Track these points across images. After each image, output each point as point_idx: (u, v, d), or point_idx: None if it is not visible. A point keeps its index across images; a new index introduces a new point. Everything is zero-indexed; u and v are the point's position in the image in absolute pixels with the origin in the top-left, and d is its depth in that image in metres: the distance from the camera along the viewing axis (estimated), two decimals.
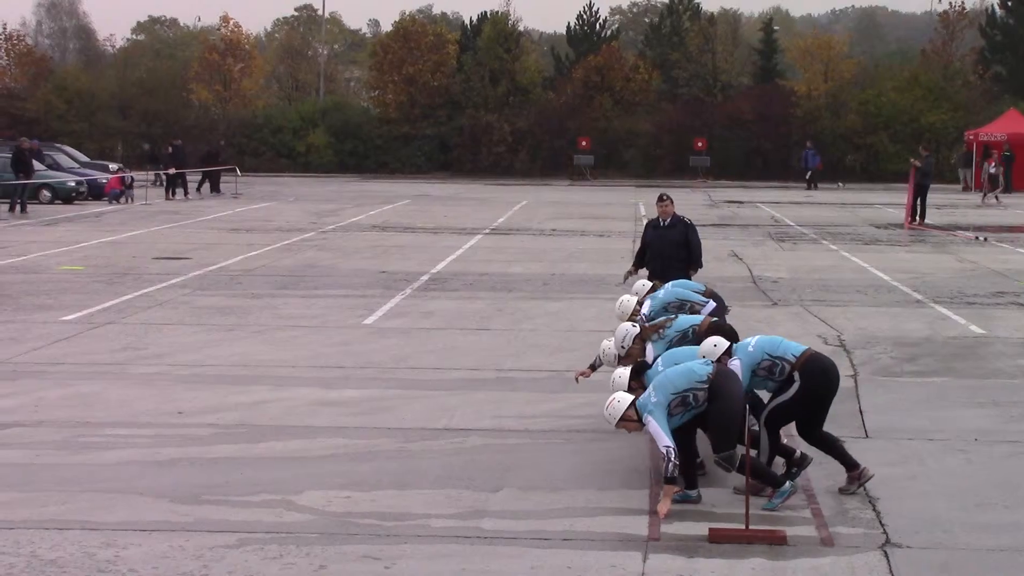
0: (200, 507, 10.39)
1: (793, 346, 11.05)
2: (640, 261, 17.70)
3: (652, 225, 17.73)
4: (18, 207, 41.69)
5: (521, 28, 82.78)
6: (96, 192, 48.93)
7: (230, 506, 10.45)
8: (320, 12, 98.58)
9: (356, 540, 9.68)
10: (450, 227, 37.92)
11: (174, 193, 51.58)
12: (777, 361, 10.89)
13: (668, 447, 10.08)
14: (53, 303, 21.44)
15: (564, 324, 19.99)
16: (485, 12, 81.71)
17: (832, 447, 11.11)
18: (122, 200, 48.44)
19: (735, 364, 10.88)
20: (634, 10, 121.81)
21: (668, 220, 17.55)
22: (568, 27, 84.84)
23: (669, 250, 17.32)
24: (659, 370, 10.97)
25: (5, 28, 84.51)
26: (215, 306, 21.44)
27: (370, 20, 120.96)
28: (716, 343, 11.11)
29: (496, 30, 77.93)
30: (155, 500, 10.55)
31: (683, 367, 10.72)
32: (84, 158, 56.46)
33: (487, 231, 36.79)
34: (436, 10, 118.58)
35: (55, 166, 49.80)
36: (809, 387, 10.86)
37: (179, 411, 13.73)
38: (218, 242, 32.47)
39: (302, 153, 75.77)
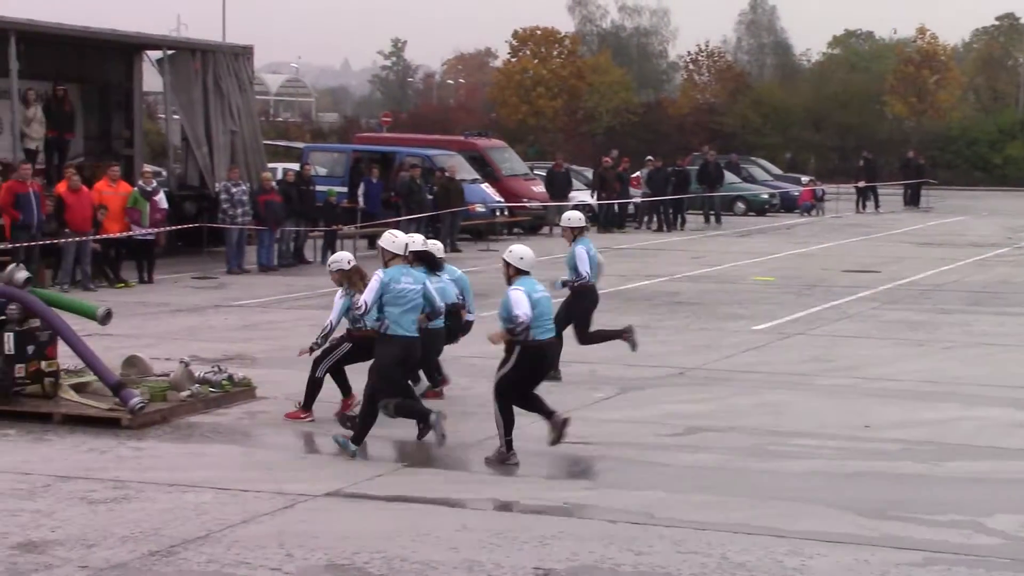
0: (885, 522, 10.30)
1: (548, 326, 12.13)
2: None
3: None
4: (712, 218, 43.19)
5: None
6: (788, 204, 49.86)
7: (916, 523, 10.30)
8: (1022, 20, 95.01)
9: None
10: None
11: (864, 206, 51.54)
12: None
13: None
14: (745, 312, 22.02)
15: None
16: None
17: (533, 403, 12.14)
18: (813, 213, 49.06)
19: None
20: None
21: None
22: None
23: None
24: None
25: (707, 45, 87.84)
26: (903, 320, 21.23)
27: None
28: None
29: None
30: (841, 512, 10.58)
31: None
32: (777, 171, 57.53)
33: None
34: None
35: (750, 179, 51.18)
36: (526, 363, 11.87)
37: (866, 424, 13.69)
38: (908, 256, 32.11)
39: (998, 165, 73.51)
